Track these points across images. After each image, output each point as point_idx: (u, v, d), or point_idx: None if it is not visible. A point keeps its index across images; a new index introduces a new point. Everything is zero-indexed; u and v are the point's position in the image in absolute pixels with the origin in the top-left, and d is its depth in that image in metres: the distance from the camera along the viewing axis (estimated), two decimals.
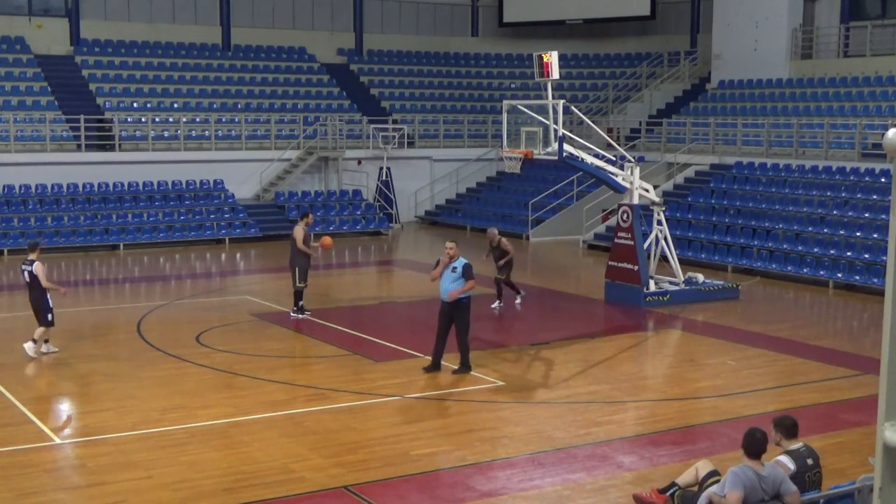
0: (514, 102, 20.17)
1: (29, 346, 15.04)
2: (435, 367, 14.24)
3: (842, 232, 22.85)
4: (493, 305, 19.27)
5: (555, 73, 18.64)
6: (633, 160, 20.25)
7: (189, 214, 28.84)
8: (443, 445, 11.24)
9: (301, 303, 18.27)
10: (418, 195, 33.91)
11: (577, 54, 38.76)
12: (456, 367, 14.24)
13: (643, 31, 38.76)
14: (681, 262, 20.81)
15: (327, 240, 18.66)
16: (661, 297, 19.62)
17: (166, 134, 30.93)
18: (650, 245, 20.28)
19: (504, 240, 19.54)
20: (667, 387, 14.28)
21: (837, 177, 25.00)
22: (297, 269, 18.14)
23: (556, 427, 11.99)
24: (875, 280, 20.58)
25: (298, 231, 18.36)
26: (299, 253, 18.15)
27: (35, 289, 15.19)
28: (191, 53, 34.59)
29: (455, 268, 13.89)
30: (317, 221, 30.13)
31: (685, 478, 8.74)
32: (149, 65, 33.43)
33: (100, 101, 31.32)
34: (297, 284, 18.12)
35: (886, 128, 17.63)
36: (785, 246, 23.37)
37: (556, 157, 18.79)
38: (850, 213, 23.38)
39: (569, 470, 10.55)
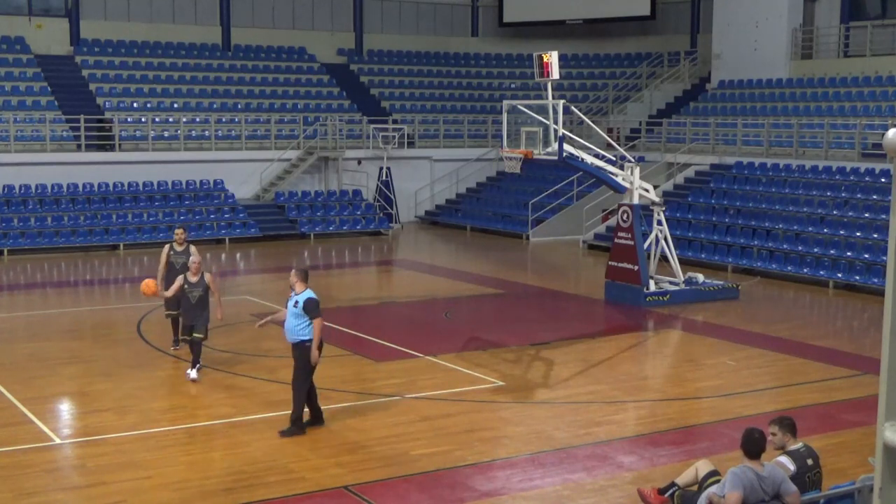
0: (514, 102, 20.18)
1: None
2: (317, 419, 11.77)
3: (842, 232, 22.84)
4: (190, 373, 13.77)
5: (555, 73, 18.65)
6: (633, 160, 20.25)
7: (189, 214, 28.83)
8: (443, 445, 11.24)
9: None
10: (418, 195, 33.90)
11: (577, 54, 38.75)
12: (295, 425, 11.50)
13: (643, 31, 38.74)
14: (681, 262, 20.80)
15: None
16: (661, 297, 19.62)
17: (166, 134, 30.92)
18: (650, 245, 20.28)
19: (211, 275, 14.15)
20: (667, 387, 14.28)
21: (837, 177, 24.99)
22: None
23: (556, 427, 11.99)
24: (875, 280, 20.57)
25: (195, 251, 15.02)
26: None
27: None
28: (191, 53, 34.58)
29: (297, 302, 11.35)
30: (317, 222, 30.21)
31: (685, 478, 8.74)
32: (149, 65, 33.42)
33: (100, 101, 31.32)
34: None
35: (886, 128, 17.64)
36: (785, 246, 23.37)
37: (556, 157, 18.79)
38: (850, 213, 23.37)
39: (569, 470, 10.55)
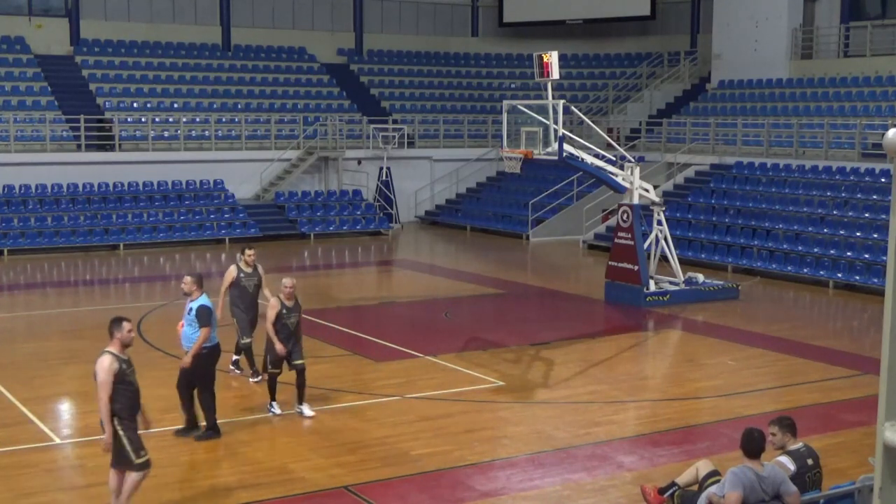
0: (514, 102, 20.18)
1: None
2: (190, 427, 11.53)
3: (842, 232, 22.84)
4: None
5: (555, 73, 18.65)
6: (633, 160, 20.25)
7: (189, 214, 28.83)
8: (443, 445, 11.24)
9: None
10: (418, 195, 33.90)
11: (577, 54, 38.75)
12: (202, 433, 11.39)
13: (643, 31, 38.74)
14: (681, 262, 20.80)
15: None
16: (661, 297, 19.61)
17: (166, 134, 30.92)
18: (650, 245, 20.28)
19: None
20: (667, 387, 14.28)
21: (837, 177, 24.99)
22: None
23: (556, 427, 11.99)
24: (875, 280, 20.57)
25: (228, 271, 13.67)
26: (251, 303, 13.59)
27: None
28: (191, 53, 34.58)
29: (191, 309, 11.15)
30: (317, 222, 30.20)
31: (685, 478, 8.74)
32: (149, 65, 33.42)
33: (100, 101, 31.31)
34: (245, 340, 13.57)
35: (886, 128, 17.64)
36: (785, 246, 23.36)
37: (556, 157, 18.79)
38: (850, 213, 23.37)
39: (569, 470, 10.55)
